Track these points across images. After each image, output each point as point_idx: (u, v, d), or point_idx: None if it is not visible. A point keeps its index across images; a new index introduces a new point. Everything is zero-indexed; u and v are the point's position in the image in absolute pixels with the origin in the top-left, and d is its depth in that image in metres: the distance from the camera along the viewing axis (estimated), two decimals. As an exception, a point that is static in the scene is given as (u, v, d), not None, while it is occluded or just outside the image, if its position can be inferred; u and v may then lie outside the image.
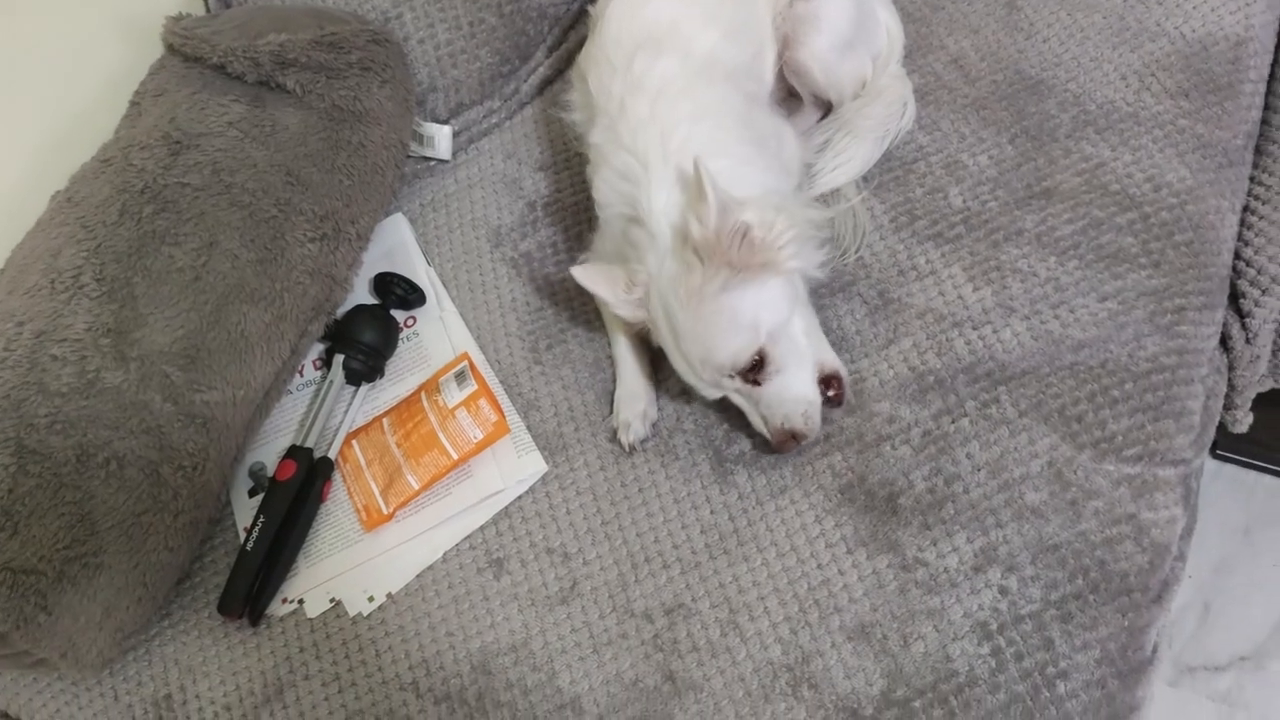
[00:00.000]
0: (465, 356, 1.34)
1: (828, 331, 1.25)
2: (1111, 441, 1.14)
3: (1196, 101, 1.35)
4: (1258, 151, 1.38)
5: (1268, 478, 1.80)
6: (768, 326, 1.13)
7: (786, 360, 1.14)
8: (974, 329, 1.23)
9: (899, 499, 1.15)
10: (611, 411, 1.27)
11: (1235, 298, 1.31)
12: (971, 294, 1.26)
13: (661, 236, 1.16)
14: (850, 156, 1.36)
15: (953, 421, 1.18)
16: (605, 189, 1.25)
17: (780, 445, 1.15)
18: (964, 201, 1.33)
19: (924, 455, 1.16)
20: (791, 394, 1.15)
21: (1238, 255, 1.32)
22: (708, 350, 1.12)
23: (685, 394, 1.27)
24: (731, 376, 1.13)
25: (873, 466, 1.17)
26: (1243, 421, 1.37)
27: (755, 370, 1.13)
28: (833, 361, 1.19)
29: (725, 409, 1.23)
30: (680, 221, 1.13)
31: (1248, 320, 1.30)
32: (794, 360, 1.15)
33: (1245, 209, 1.34)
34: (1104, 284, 1.23)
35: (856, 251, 1.32)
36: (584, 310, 1.37)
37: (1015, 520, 1.11)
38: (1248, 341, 1.30)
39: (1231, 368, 1.32)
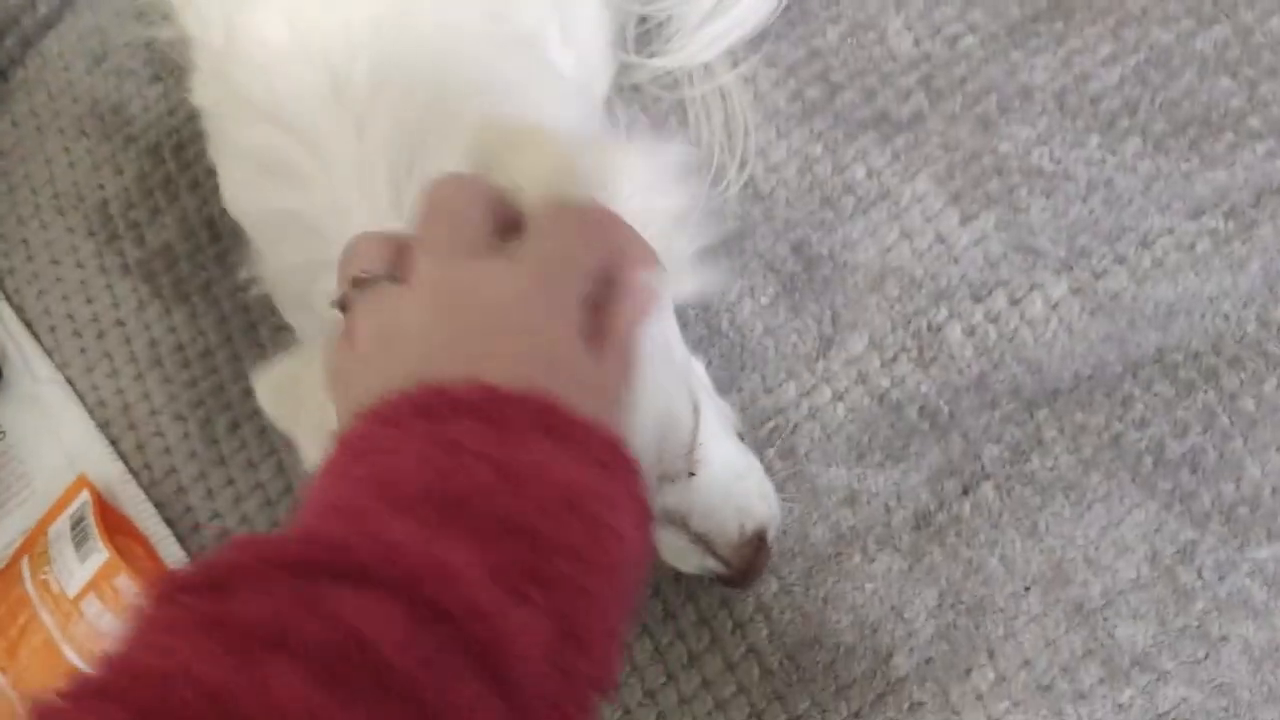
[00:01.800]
0: (84, 483, 0.74)
1: (716, 337, 0.70)
2: (1256, 503, 0.63)
3: None
4: None
5: None
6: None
7: (711, 420, 0.59)
8: (976, 300, 0.69)
9: (893, 659, 0.64)
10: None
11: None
12: (959, 228, 0.70)
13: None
14: None
15: (964, 492, 0.66)
16: (248, 204, 0.63)
17: (755, 566, 0.60)
18: (916, 42, 0.74)
19: (921, 569, 0.65)
20: (737, 466, 0.60)
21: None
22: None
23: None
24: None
25: (835, 601, 0.65)
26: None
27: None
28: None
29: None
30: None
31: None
32: (716, 418, 0.61)
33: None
34: (1193, 183, 0.68)
35: (741, 170, 0.73)
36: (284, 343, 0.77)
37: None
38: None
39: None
